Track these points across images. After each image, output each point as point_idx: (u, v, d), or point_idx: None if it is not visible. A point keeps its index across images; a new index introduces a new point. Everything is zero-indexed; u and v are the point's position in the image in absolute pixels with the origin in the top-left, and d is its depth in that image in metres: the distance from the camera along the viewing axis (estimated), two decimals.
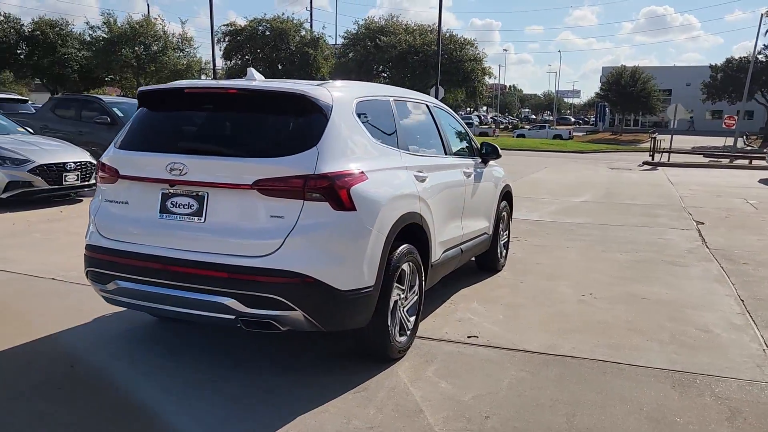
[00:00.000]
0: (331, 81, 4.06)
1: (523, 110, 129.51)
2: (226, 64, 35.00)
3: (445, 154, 5.14)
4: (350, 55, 30.78)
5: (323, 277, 3.39)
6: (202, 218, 3.50)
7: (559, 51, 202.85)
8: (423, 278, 4.38)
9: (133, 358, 4.07)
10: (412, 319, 4.29)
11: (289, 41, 34.12)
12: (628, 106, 60.11)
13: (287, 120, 3.63)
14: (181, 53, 36.62)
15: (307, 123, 3.58)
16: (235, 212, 3.46)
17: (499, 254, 6.53)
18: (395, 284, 3.97)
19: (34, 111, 15.55)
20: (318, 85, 3.79)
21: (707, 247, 8.26)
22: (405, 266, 4.09)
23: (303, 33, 34.93)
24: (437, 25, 28.05)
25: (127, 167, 3.71)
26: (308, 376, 3.82)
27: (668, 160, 25.79)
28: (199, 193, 3.51)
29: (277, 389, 3.62)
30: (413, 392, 3.63)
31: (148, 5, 44.93)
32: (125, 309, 4.30)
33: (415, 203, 4.16)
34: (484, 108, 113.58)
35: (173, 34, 36.16)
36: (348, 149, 3.65)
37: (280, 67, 34.64)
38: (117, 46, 34.58)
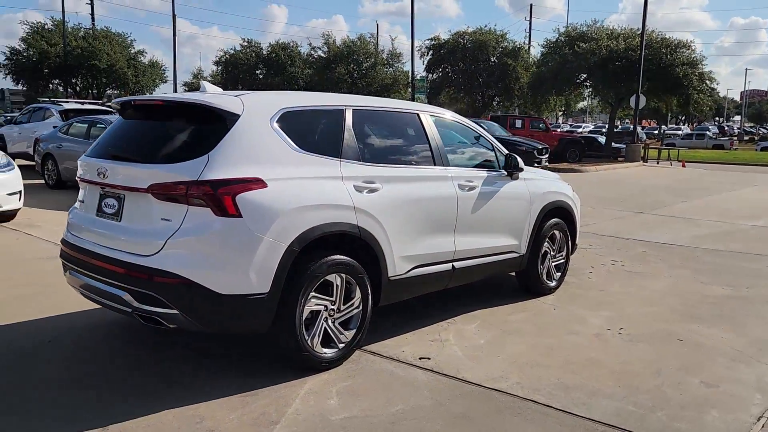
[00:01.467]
0: (257, 92, 4.19)
1: None
2: (429, 77, 36.08)
3: (434, 165, 4.90)
4: (549, 64, 29.67)
5: (201, 280, 3.53)
6: (119, 218, 3.87)
7: None
8: (368, 292, 4.26)
9: (98, 342, 4.59)
10: (349, 332, 4.20)
11: (489, 53, 34.05)
12: None
13: (192, 129, 3.84)
14: (390, 68, 38.66)
15: (207, 131, 3.76)
16: (138, 214, 3.77)
17: (542, 276, 5.97)
18: (314, 294, 3.94)
19: None
20: (236, 96, 3.95)
21: None
22: (332, 278, 4.04)
23: (505, 44, 34.64)
24: (641, 26, 25.79)
25: (82, 171, 4.25)
26: (223, 373, 3.96)
27: None
28: (120, 196, 3.89)
29: (181, 383, 3.84)
30: (294, 404, 3.59)
31: (377, 25, 48.17)
32: None
33: (349, 214, 4.08)
34: (736, 117, 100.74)
35: (382, 50, 38.43)
36: (251, 157, 3.74)
37: (480, 80, 34.78)
38: (333, 64, 37.68)
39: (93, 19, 53.94)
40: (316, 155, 4.08)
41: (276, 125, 3.93)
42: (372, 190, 4.27)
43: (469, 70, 34.50)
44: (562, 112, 40.02)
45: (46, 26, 45.06)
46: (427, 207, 4.69)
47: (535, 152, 20.01)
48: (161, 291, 3.55)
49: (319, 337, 4.03)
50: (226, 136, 3.70)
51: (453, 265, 4.97)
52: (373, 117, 4.69)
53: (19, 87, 49.21)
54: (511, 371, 4.12)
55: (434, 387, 3.88)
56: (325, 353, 4.07)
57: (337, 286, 4.09)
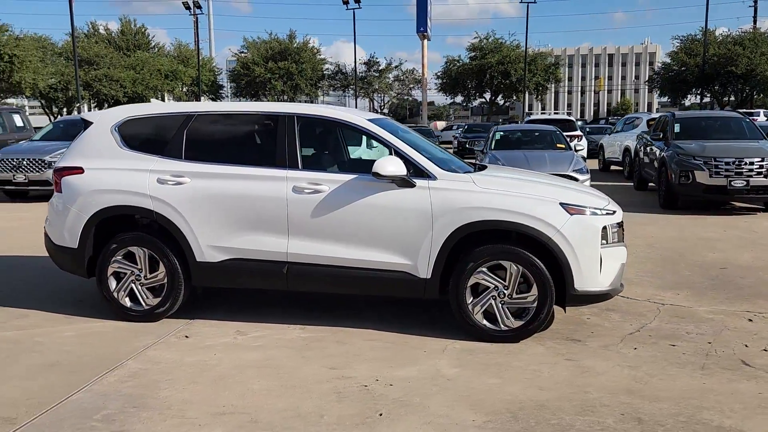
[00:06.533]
0: (131, 105, 5.46)
1: None
2: None
3: (275, 165, 4.81)
4: None
5: (49, 233, 5.36)
6: None
7: None
8: (173, 269, 4.95)
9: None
10: (155, 299, 5.04)
11: None
12: None
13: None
14: None
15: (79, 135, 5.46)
16: None
17: (470, 315, 4.56)
18: (118, 258, 5.06)
19: None
20: (103, 110, 5.43)
21: None
22: (135, 249, 5.04)
23: None
24: None
25: None
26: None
27: None
28: None
29: (77, 305, 5.63)
30: (38, 335, 4.82)
31: None
32: None
33: (145, 200, 4.93)
34: None
35: None
36: (85, 153, 5.20)
37: None
38: None
39: (755, 21, 51.39)
40: (138, 152, 5.11)
41: (115, 130, 5.20)
42: (178, 183, 4.93)
43: None
44: None
45: (697, 37, 45.40)
46: (245, 204, 4.82)
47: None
48: (45, 239, 5.55)
49: (124, 292, 5.08)
50: (79, 137, 5.35)
51: (288, 268, 4.81)
52: (216, 121, 5.18)
53: (664, 99, 51.71)
54: (169, 376, 4.08)
55: (106, 345, 4.51)
56: (130, 307, 5.08)
57: (139, 257, 5.04)
